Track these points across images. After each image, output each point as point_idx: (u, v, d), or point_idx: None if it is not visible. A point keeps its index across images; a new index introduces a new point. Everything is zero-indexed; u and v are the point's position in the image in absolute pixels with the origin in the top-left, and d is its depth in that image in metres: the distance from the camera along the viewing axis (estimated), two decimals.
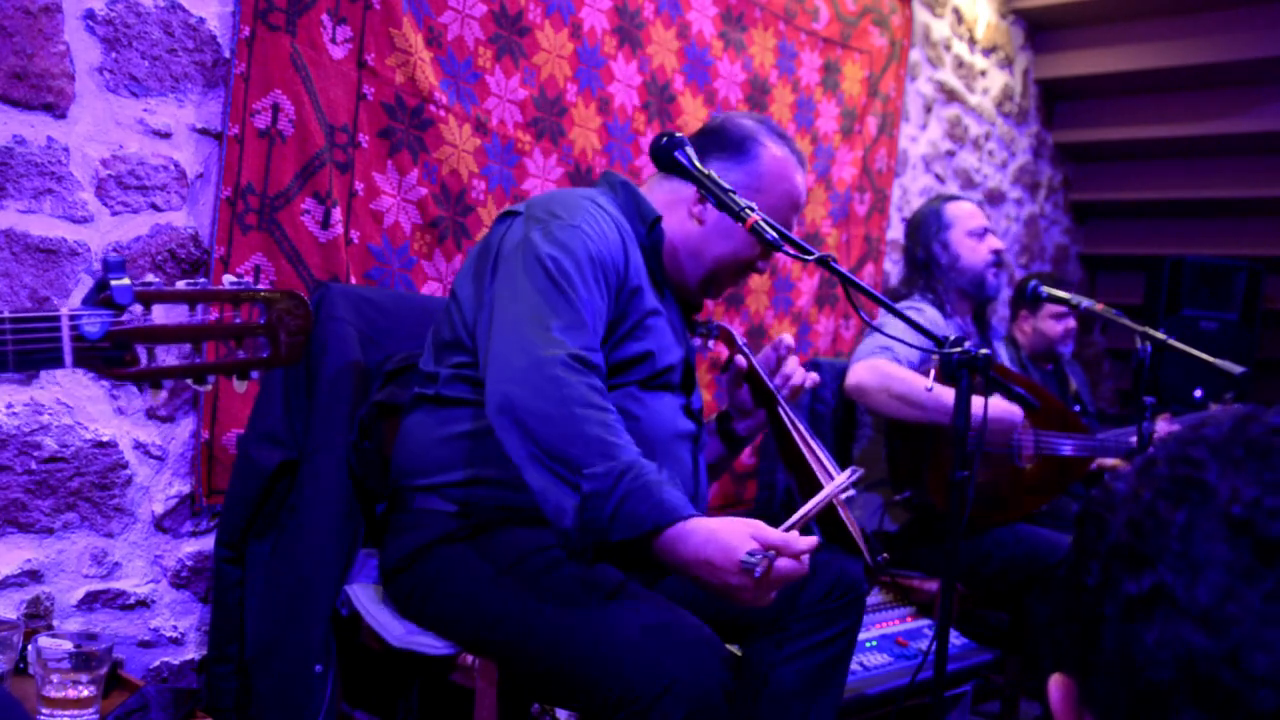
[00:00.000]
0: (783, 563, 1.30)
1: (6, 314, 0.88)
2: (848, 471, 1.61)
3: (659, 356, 1.66)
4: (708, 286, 1.80)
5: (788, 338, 1.87)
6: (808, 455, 1.80)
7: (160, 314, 0.96)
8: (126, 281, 0.92)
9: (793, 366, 1.87)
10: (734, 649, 1.85)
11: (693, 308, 1.87)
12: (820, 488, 1.72)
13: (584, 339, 1.47)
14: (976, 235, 2.74)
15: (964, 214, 2.77)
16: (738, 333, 1.88)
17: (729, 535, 1.30)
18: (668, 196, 1.78)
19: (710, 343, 1.93)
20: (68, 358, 0.90)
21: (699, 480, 1.75)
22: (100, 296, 0.92)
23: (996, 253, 2.73)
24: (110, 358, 0.93)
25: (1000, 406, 2.44)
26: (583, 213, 1.60)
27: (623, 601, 1.45)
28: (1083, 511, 0.57)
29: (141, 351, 0.95)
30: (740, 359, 1.83)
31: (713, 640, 1.41)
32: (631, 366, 1.64)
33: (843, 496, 1.81)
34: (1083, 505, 0.58)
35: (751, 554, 1.28)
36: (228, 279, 1.01)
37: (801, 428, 1.85)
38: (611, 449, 1.33)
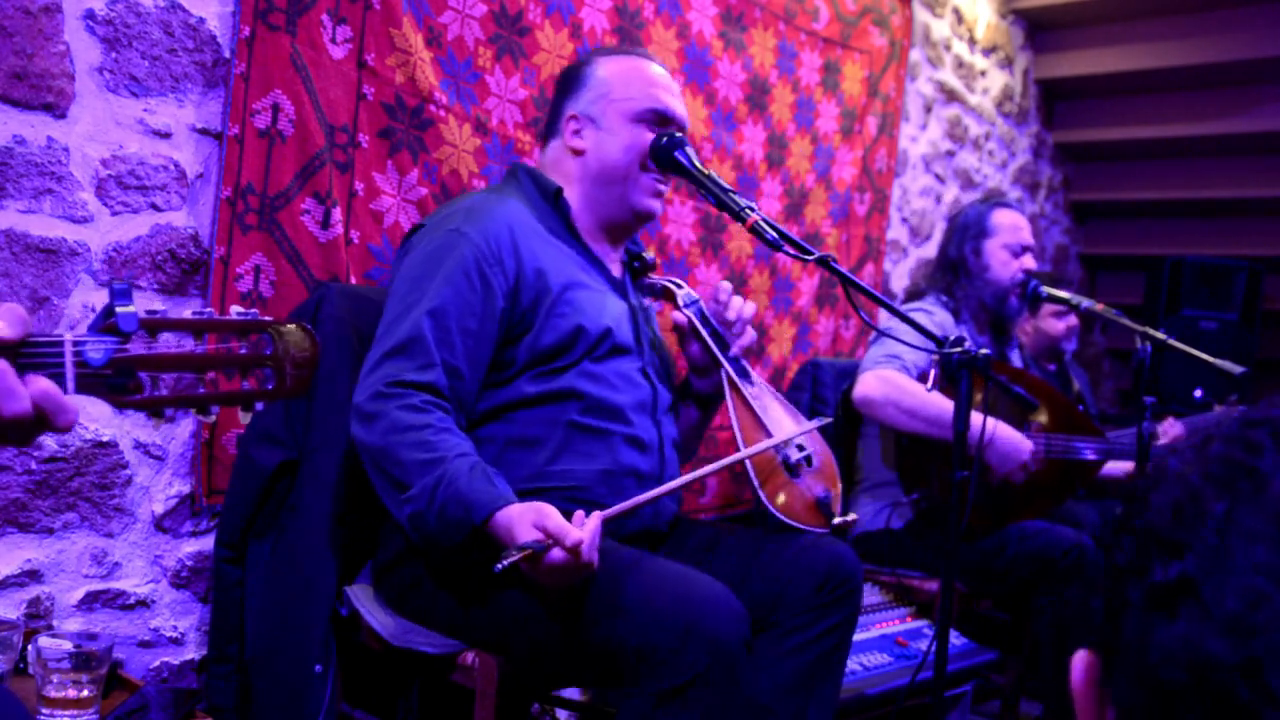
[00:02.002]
0: (554, 553, 1.35)
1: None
2: (733, 457, 1.64)
3: (589, 328, 1.67)
4: (631, 196, 1.77)
5: (725, 285, 1.83)
6: (737, 425, 1.74)
7: (166, 340, 0.96)
8: (133, 308, 0.92)
9: (735, 310, 1.80)
10: None
11: (639, 267, 1.86)
12: (745, 468, 1.69)
13: (416, 358, 1.54)
14: (1013, 251, 2.69)
15: (1007, 225, 2.71)
16: (684, 286, 1.83)
17: (518, 524, 1.38)
18: (552, 161, 1.83)
19: (659, 304, 1.90)
20: (70, 384, 0.90)
21: (664, 451, 1.73)
22: (106, 322, 0.92)
23: (1026, 273, 2.70)
24: (114, 385, 0.93)
25: (1011, 436, 2.41)
26: (464, 215, 1.66)
27: (632, 560, 1.47)
28: (1133, 482, 0.54)
29: (145, 378, 0.95)
30: (678, 315, 1.80)
31: (728, 593, 1.43)
32: (568, 347, 1.65)
33: (796, 458, 1.76)
34: (1139, 475, 0.55)
35: (521, 545, 1.33)
36: (235, 309, 1.01)
37: (748, 393, 1.78)
38: (425, 466, 1.45)
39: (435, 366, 1.55)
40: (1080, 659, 0.53)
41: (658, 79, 1.80)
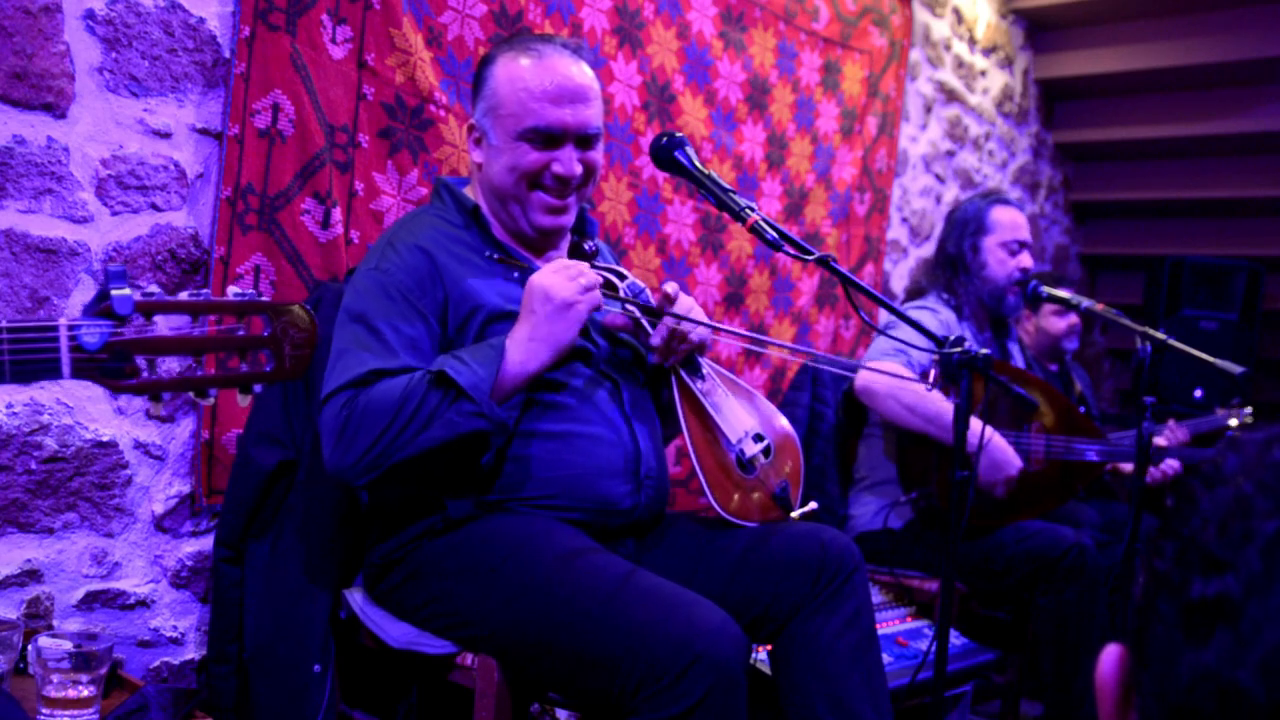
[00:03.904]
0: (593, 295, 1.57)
1: (4, 324, 0.87)
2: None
3: None
4: (526, 214, 1.72)
5: (670, 287, 1.68)
6: (685, 425, 1.68)
7: (162, 323, 0.95)
8: (127, 291, 0.91)
9: (661, 335, 1.68)
10: (758, 664, 1.84)
11: (578, 251, 1.82)
12: (696, 462, 1.66)
13: (365, 366, 1.54)
14: (1010, 249, 2.70)
15: (1005, 223, 2.72)
16: (628, 276, 1.71)
17: (553, 286, 1.55)
18: (471, 166, 1.79)
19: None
20: (66, 369, 0.89)
21: (639, 441, 1.68)
22: (101, 306, 0.91)
23: (1023, 271, 2.70)
24: (109, 369, 0.92)
25: (1004, 449, 2.41)
26: (382, 250, 1.66)
27: (635, 582, 1.46)
28: (1188, 473, 0.49)
29: (142, 362, 0.93)
30: (611, 317, 1.70)
31: (728, 618, 1.42)
32: None
33: (753, 450, 1.70)
34: (1198, 463, 0.51)
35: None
36: (232, 290, 1.00)
37: (696, 389, 1.70)
38: (413, 386, 1.49)
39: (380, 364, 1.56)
40: (1111, 653, 0.49)
41: (544, 88, 1.65)
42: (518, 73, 1.68)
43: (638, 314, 1.69)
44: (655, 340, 1.68)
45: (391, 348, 1.57)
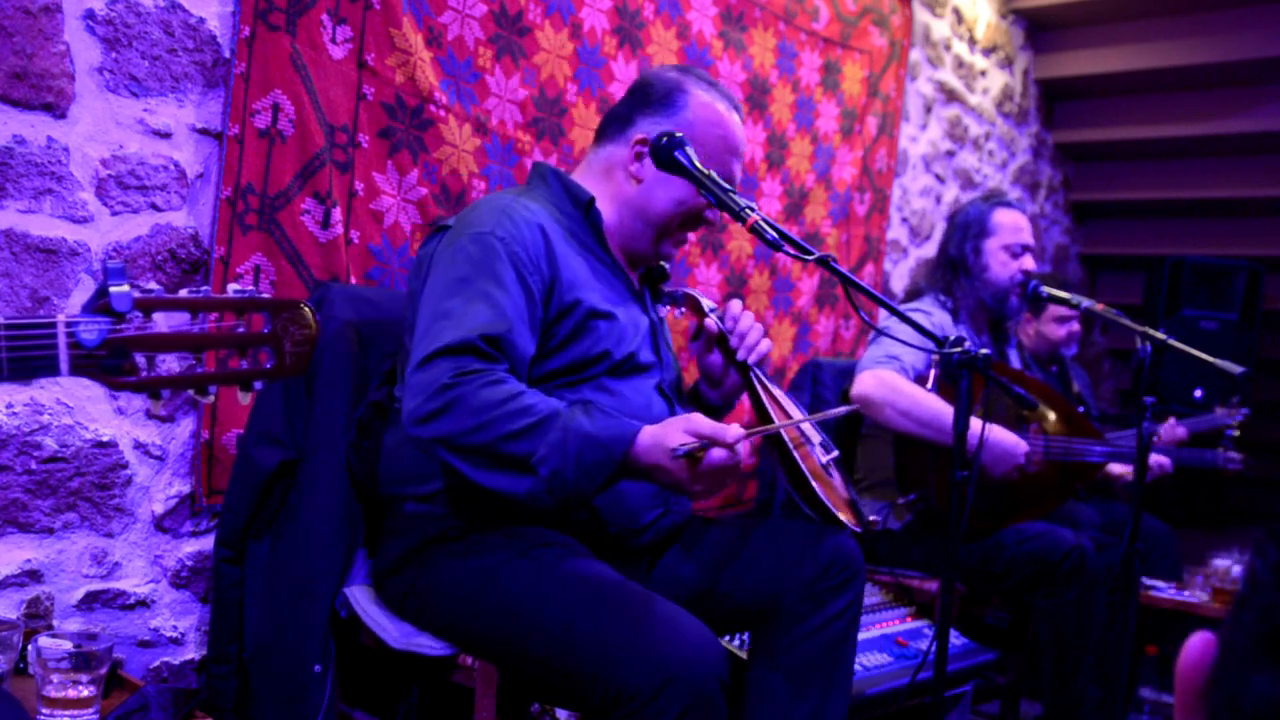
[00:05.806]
0: (716, 453, 1.38)
1: (2, 320, 0.87)
2: (812, 417, 1.67)
3: (614, 353, 1.65)
4: (659, 243, 1.77)
5: (735, 304, 1.79)
6: (777, 416, 1.74)
7: (161, 321, 0.94)
8: (126, 288, 0.91)
9: (746, 325, 1.77)
10: (736, 649, 1.85)
11: (656, 275, 1.86)
12: (790, 454, 1.69)
13: (479, 354, 1.47)
14: (1012, 251, 2.69)
15: (1008, 226, 2.71)
16: (705, 297, 1.83)
17: (665, 434, 1.40)
18: (603, 165, 1.78)
19: (679, 311, 1.90)
20: (64, 366, 0.88)
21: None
22: (99, 303, 0.91)
23: (1025, 274, 2.71)
24: (108, 366, 0.91)
25: (1005, 438, 2.42)
26: (498, 217, 1.60)
27: (619, 598, 1.46)
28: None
29: (141, 360, 0.93)
30: (710, 323, 1.76)
31: (709, 636, 1.43)
32: (588, 365, 1.64)
33: (825, 459, 1.78)
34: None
35: (682, 444, 1.39)
36: (232, 287, 1.00)
37: (776, 392, 1.80)
38: (540, 427, 1.41)
39: (500, 360, 1.49)
40: (1199, 640, 0.48)
41: (736, 144, 1.78)
42: (719, 119, 1.77)
43: (719, 324, 1.78)
44: (734, 340, 1.75)
45: (505, 313, 1.51)
